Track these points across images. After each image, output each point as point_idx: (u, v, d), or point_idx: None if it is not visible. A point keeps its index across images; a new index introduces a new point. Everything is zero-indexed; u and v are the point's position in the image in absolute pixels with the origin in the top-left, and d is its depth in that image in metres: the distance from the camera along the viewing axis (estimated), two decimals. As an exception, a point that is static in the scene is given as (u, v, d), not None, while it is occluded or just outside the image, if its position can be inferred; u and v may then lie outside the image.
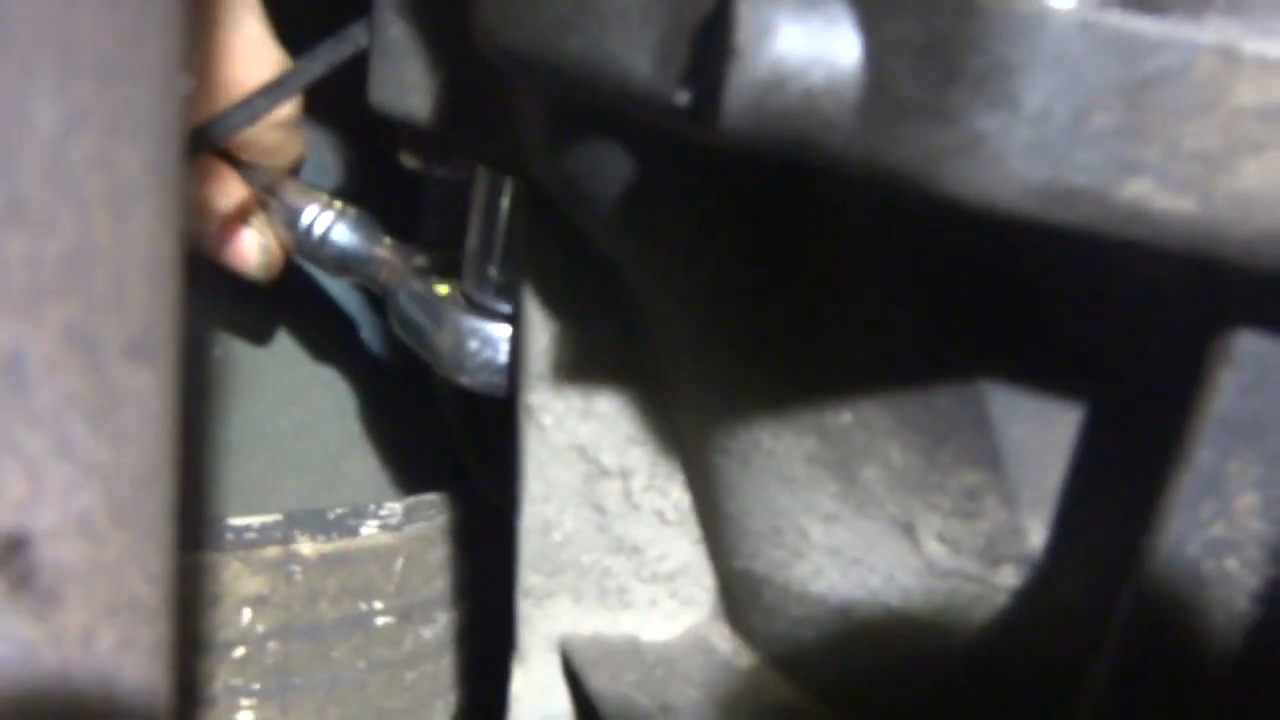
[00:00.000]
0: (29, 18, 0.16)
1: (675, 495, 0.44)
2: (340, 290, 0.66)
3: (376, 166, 0.63)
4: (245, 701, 0.60)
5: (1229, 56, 0.21)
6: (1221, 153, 0.21)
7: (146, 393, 0.19)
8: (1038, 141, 0.22)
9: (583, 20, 0.28)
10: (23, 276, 0.17)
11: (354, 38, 0.47)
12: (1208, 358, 0.26)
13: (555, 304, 0.43)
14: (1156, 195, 0.22)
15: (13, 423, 0.18)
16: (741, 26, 0.23)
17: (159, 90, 0.17)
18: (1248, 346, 0.25)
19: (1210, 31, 0.21)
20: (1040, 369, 0.30)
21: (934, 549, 0.34)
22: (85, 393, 0.18)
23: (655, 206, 0.33)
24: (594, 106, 0.30)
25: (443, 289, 0.50)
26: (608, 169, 0.32)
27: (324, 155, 0.66)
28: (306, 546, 0.61)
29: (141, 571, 0.20)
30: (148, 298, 0.18)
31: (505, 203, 0.46)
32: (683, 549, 0.44)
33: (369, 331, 0.68)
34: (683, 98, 0.26)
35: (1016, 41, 0.21)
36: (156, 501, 0.20)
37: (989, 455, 0.32)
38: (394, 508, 0.64)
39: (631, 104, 0.28)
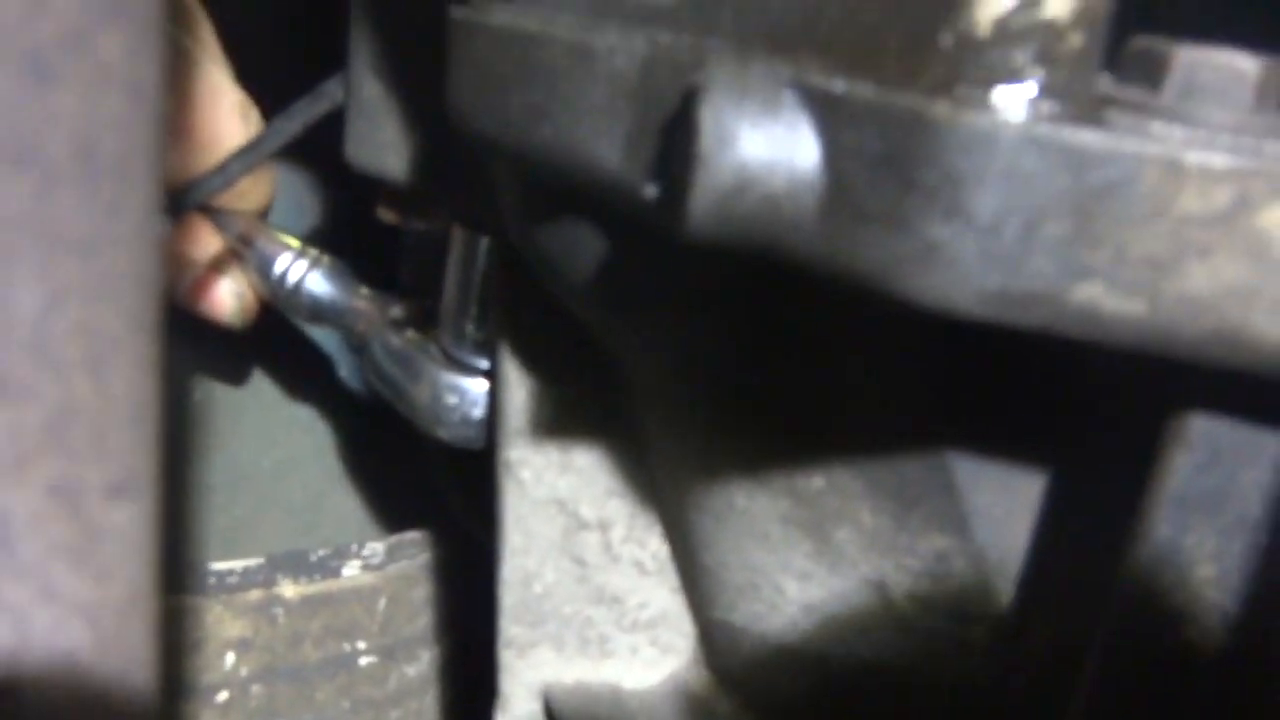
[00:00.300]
0: (9, 199, 0.16)
1: (654, 546, 0.45)
2: (317, 330, 0.66)
3: (354, 208, 0.63)
4: (230, 745, 0.61)
5: (1173, 167, 0.22)
6: (1169, 258, 0.22)
7: (127, 526, 0.19)
8: (990, 250, 0.22)
9: (553, 110, 0.29)
10: (6, 445, 0.18)
11: (329, 94, 0.47)
12: (1163, 438, 0.27)
13: (533, 360, 0.43)
14: (1107, 298, 0.23)
15: (-1, 579, 0.18)
16: (704, 134, 0.24)
17: (138, 254, 0.18)
18: (1200, 428, 0.26)
19: (1154, 143, 0.22)
20: (1003, 441, 0.31)
21: (906, 607, 0.35)
22: (68, 538, 0.18)
23: (630, 283, 0.33)
24: (566, 189, 0.31)
25: (419, 340, 0.50)
26: (581, 246, 0.33)
27: (301, 196, 0.66)
28: (289, 589, 0.61)
29: (126, 694, 0.20)
30: (128, 441, 0.19)
31: (482, 259, 0.47)
32: (662, 598, 0.45)
33: (347, 370, 0.68)
34: (650, 192, 0.27)
35: (968, 155, 0.22)
36: (140, 626, 0.20)
37: (956, 520, 0.32)
38: (376, 547, 0.64)
39: (601, 193, 0.28)
